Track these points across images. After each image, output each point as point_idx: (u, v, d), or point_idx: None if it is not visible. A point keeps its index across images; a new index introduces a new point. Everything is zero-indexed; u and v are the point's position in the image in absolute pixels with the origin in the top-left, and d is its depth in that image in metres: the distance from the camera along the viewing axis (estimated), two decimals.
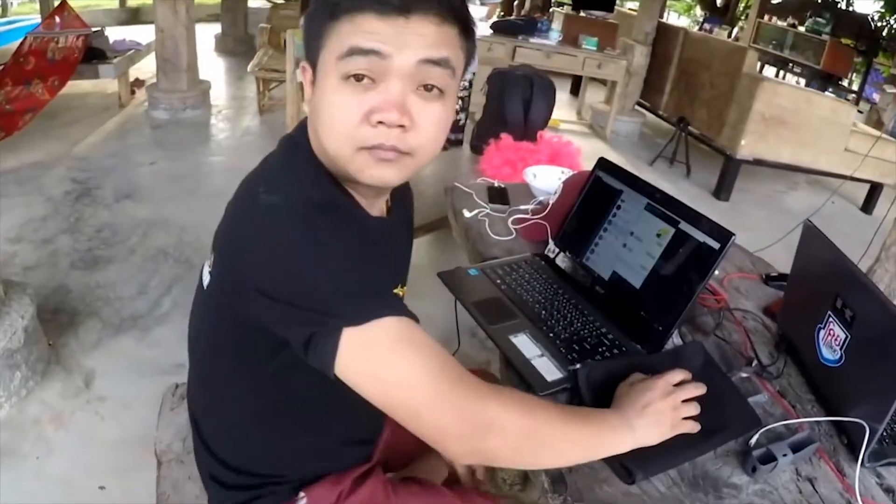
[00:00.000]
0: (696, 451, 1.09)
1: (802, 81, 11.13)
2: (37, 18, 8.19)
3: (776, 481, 1.08)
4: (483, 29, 5.92)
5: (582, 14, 7.04)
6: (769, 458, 1.08)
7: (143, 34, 6.82)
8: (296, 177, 0.90)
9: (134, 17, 11.61)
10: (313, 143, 0.94)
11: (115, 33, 6.31)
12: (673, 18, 21.20)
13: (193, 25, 5.66)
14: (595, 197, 1.62)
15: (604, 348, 1.33)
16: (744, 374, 1.34)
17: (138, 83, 6.35)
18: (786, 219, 5.35)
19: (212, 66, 7.28)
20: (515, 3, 12.09)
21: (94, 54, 5.46)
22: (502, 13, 12.60)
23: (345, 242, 0.83)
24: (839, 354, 1.26)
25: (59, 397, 2.32)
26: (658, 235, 1.45)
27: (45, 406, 2.28)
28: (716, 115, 5.99)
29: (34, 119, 4.66)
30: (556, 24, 6.61)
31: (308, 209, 0.84)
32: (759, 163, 5.71)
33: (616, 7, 7.84)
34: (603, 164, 1.64)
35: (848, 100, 10.02)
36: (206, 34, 7.95)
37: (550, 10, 8.15)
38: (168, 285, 3.04)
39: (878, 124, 8.43)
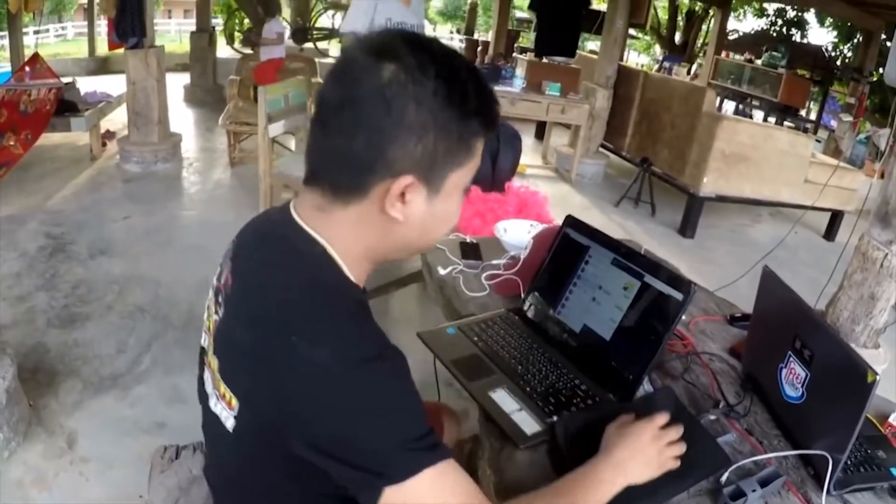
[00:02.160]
0: (672, 490, 1.15)
1: (761, 114, 11.49)
2: (6, 66, 8.22)
3: None
4: None
5: (545, 60, 7.22)
6: (739, 495, 1.16)
7: (112, 84, 6.87)
8: (340, 330, 0.85)
9: (103, 66, 11.71)
10: (367, 252, 0.96)
11: (85, 84, 6.33)
12: (633, 56, 21.72)
13: (164, 78, 5.71)
14: (564, 252, 1.71)
15: (578, 399, 1.39)
16: (712, 416, 1.41)
17: (109, 135, 6.38)
18: (750, 251, 5.50)
19: (181, 117, 7.35)
20: (479, 48, 12.31)
21: (65, 106, 5.48)
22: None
23: (394, 395, 0.86)
24: (801, 391, 1.36)
25: (42, 458, 2.32)
26: (625, 288, 1.54)
27: (28, 467, 2.27)
28: (678, 155, 6.16)
29: (8, 173, 4.69)
30: (520, 71, 6.78)
31: (358, 368, 0.83)
32: (721, 199, 5.89)
33: (577, 51, 8.05)
34: (570, 221, 1.73)
35: (806, 129, 10.37)
36: (175, 84, 8.02)
37: (513, 56, 8.32)
38: (147, 343, 3.05)
39: (837, 152, 8.74)
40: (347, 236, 0.92)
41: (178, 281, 3.64)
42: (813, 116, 11.90)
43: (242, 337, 0.89)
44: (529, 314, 1.71)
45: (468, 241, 2.26)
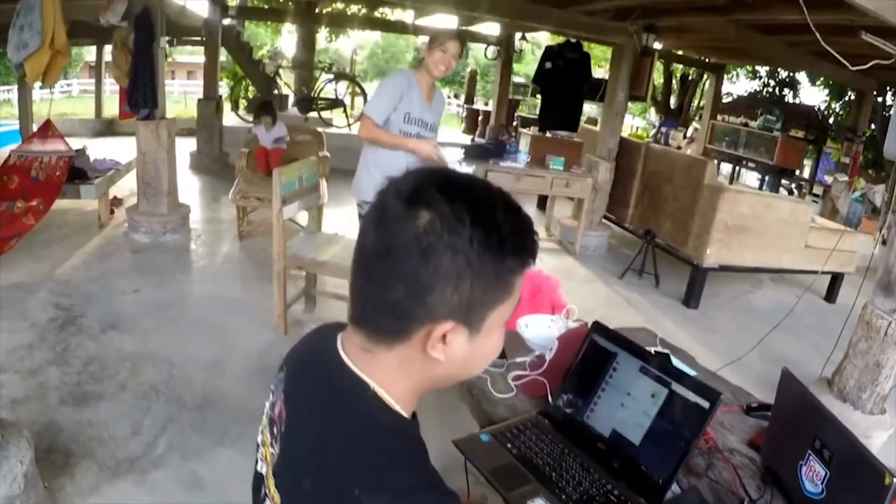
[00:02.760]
0: None
1: (757, 175, 11.65)
2: (14, 123, 8.36)
3: None
4: (451, 152, 6.19)
5: (548, 134, 7.36)
6: None
7: (120, 148, 6.96)
8: (400, 478, 0.87)
9: (109, 128, 11.88)
10: (414, 388, 0.98)
11: (93, 147, 6.39)
12: (628, 119, 22.03)
13: (174, 149, 5.80)
14: (591, 358, 1.74)
15: None
16: None
17: (116, 202, 6.46)
18: (754, 318, 5.54)
19: (187, 185, 7.40)
20: (480, 118, 12.50)
21: (75, 174, 5.57)
22: (467, 131, 13.12)
23: None
24: (821, 488, 1.45)
25: None
26: (653, 396, 1.58)
27: None
28: (680, 226, 6.22)
29: (19, 242, 4.75)
30: (524, 145, 6.90)
31: None
32: (724, 269, 5.94)
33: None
34: (597, 326, 1.77)
35: (801, 187, 10.50)
36: (181, 150, 8.10)
37: (515, 127, 8.48)
38: (162, 425, 3.03)
39: (834, 212, 8.89)
40: (395, 376, 0.94)
41: (190, 360, 3.65)
42: (807, 174, 12.08)
43: (304, 483, 0.91)
44: (559, 418, 1.74)
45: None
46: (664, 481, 1.48)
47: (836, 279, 6.65)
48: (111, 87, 13.34)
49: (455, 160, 3.69)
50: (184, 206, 6.11)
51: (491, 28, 10.93)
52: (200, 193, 7.70)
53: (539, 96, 8.68)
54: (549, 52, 7.84)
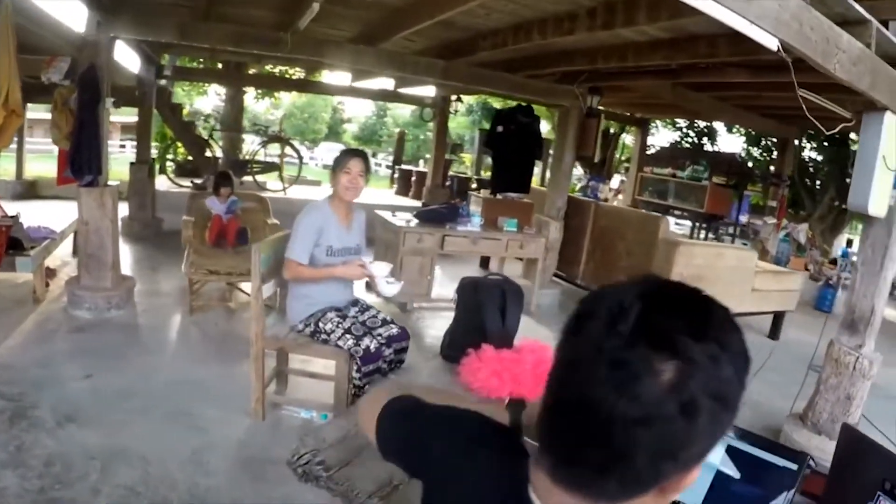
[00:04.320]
0: None
1: (689, 223, 12.06)
2: None
3: None
4: (403, 218, 6.12)
5: (499, 196, 7.38)
6: None
7: (44, 213, 6.58)
8: None
9: (30, 190, 11.19)
10: None
11: (26, 217, 5.94)
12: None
13: (118, 218, 5.52)
14: None
15: None
16: None
17: (50, 273, 6.07)
18: None
19: (123, 255, 7.03)
20: (414, 178, 12.49)
21: (11, 244, 5.17)
22: (399, 192, 13.09)
23: None
24: None
25: None
26: None
27: None
28: None
29: None
30: (475, 208, 6.88)
31: None
32: None
33: None
34: None
35: (732, 234, 10.94)
36: None
37: (465, 193, 8.48)
38: None
39: (764, 252, 9.35)
40: None
41: (167, 455, 3.34)
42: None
43: None
44: None
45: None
46: None
47: (778, 317, 7.06)
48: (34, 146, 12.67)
49: (385, 270, 3.64)
50: (128, 278, 5.81)
51: (426, 90, 10.96)
52: (137, 263, 7.32)
53: (471, 155, 8.75)
54: (501, 116, 7.96)
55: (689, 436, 0.71)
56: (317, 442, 2.36)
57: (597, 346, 0.73)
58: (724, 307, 0.78)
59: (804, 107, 3.39)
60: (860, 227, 5.92)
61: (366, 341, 3.51)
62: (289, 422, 3.90)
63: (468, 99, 15.77)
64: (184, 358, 4.78)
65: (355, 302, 3.91)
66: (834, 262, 10.30)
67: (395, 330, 3.73)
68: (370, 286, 4.17)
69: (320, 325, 3.61)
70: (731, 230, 11.37)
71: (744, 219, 10.78)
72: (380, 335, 3.65)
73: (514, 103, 7.95)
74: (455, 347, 3.27)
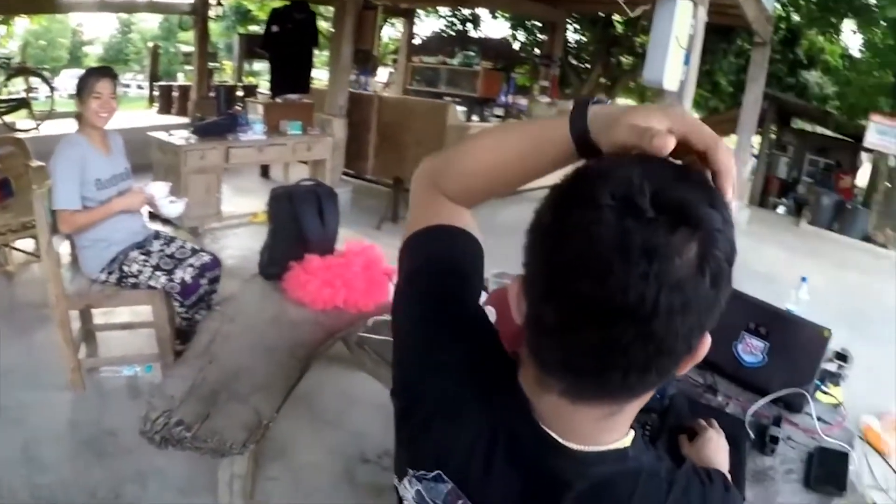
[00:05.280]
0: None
1: (464, 109, 12.37)
2: None
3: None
4: (180, 136, 5.69)
5: (278, 100, 7.05)
6: (775, 439, 1.72)
7: None
8: None
9: None
10: None
11: None
12: (314, 73, 21.92)
13: None
14: None
15: None
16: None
17: None
18: (505, 233, 5.91)
19: None
20: (176, 94, 11.67)
21: None
22: (162, 111, 12.12)
23: None
24: (761, 357, 1.94)
25: None
26: None
27: None
28: None
29: None
30: (255, 115, 6.52)
31: None
32: None
33: None
34: None
35: (502, 115, 11.39)
36: None
37: (244, 100, 7.99)
38: None
39: None
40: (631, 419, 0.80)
41: None
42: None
43: None
44: None
45: None
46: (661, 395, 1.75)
47: None
48: None
49: (164, 190, 3.34)
50: None
51: None
52: None
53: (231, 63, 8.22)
54: (276, 15, 7.44)
55: (717, 305, 0.66)
56: (166, 401, 2.14)
57: (617, 237, 0.61)
58: (699, 171, 0.71)
59: None
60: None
61: (179, 274, 3.23)
62: (113, 384, 3.44)
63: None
64: None
65: (157, 235, 3.56)
66: None
67: (206, 258, 3.42)
68: (153, 213, 3.73)
69: (125, 268, 3.24)
70: (496, 111, 11.71)
71: (510, 99, 11.19)
72: (192, 265, 3.32)
73: (277, 3, 7.53)
74: (275, 264, 3.15)
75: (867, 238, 9.62)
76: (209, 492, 2.52)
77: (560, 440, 0.77)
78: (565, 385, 0.73)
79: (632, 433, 0.80)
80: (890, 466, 2.73)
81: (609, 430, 0.78)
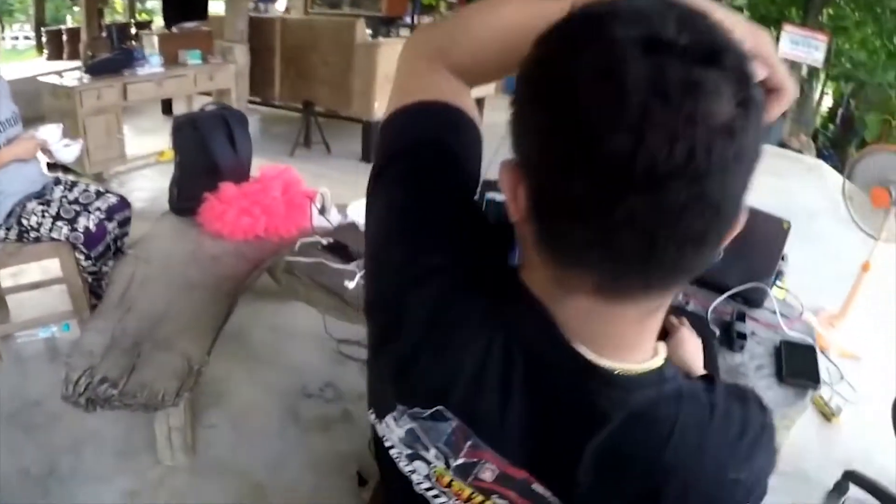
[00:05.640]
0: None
1: (369, 31, 12.13)
2: None
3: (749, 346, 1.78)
4: (73, 77, 5.41)
5: (174, 30, 6.72)
6: (743, 335, 1.78)
7: None
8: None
9: None
10: None
11: None
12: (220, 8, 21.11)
13: None
14: None
15: None
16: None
17: None
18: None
19: None
20: (66, 39, 11.10)
21: None
22: (52, 56, 11.51)
23: None
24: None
25: None
26: None
27: None
28: (339, 90, 6.35)
29: None
30: (150, 48, 6.24)
31: None
32: None
33: None
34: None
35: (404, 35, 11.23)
36: None
37: (138, 34, 7.62)
38: None
39: None
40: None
41: None
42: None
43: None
44: None
45: (325, 243, 2.12)
46: None
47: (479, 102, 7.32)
48: None
49: (57, 133, 3.08)
50: None
51: None
52: None
53: None
54: None
55: (758, 158, 0.57)
56: (86, 359, 2.03)
57: (650, 76, 0.51)
58: None
59: None
60: None
61: (82, 221, 2.99)
62: (31, 349, 3.22)
63: None
64: None
65: (57, 181, 3.26)
66: None
67: (113, 199, 3.19)
68: (50, 163, 3.44)
69: (24, 221, 2.97)
70: (402, 32, 11.51)
71: (416, 19, 11.00)
72: (98, 209, 3.08)
73: None
74: (186, 198, 3.04)
75: (783, 144, 10.08)
76: (149, 450, 2.49)
77: (593, 359, 0.66)
78: (599, 278, 0.60)
79: (662, 346, 0.72)
80: (830, 361, 2.88)
81: (647, 337, 0.69)
